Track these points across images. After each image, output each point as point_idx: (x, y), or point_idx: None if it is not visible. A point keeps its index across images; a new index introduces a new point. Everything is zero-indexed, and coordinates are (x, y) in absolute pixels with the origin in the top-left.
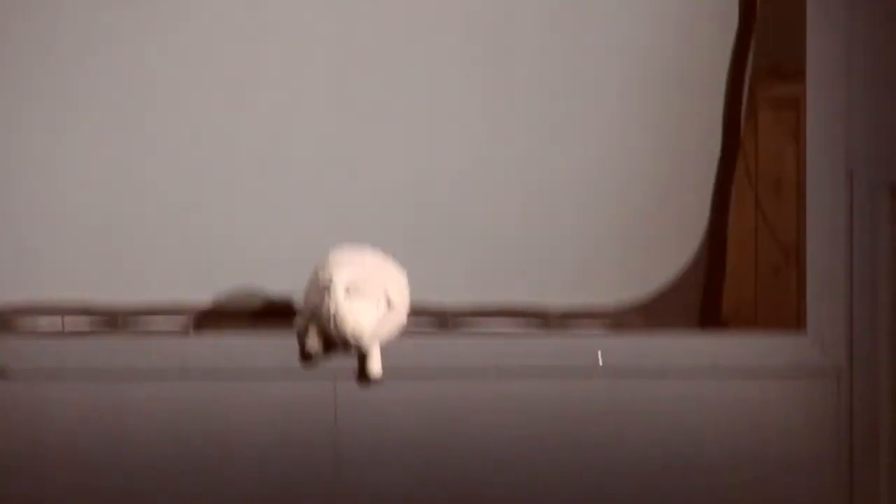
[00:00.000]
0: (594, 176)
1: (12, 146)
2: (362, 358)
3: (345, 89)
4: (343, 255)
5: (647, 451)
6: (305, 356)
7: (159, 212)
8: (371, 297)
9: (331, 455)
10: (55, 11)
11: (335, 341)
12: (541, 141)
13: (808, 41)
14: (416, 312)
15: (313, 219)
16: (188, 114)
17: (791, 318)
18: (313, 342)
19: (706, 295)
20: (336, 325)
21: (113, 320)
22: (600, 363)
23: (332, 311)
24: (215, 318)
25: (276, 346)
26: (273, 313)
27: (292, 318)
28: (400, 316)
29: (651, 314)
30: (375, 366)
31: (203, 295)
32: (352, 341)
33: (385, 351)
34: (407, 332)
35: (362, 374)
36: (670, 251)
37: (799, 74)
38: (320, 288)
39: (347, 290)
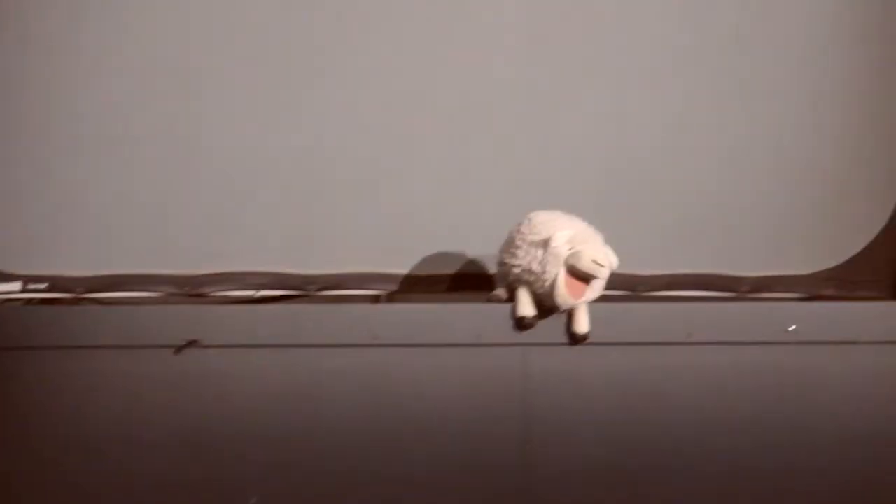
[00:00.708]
0: (785, 143)
1: (204, 120)
2: (570, 316)
3: (534, 54)
4: (552, 216)
5: (841, 421)
6: (522, 324)
7: (350, 182)
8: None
9: (520, 424)
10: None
11: (546, 302)
12: (732, 106)
13: None
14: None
15: (504, 186)
16: (376, 84)
17: None
18: (527, 308)
19: None
20: (577, 263)
21: (306, 289)
22: (792, 329)
23: (556, 270)
24: (409, 286)
25: (466, 315)
26: (468, 280)
27: (488, 283)
28: (607, 276)
29: (844, 283)
30: (585, 322)
31: (396, 265)
32: (595, 272)
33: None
34: (598, 299)
35: (570, 331)
36: (863, 219)
37: None
38: (534, 247)
39: (571, 246)
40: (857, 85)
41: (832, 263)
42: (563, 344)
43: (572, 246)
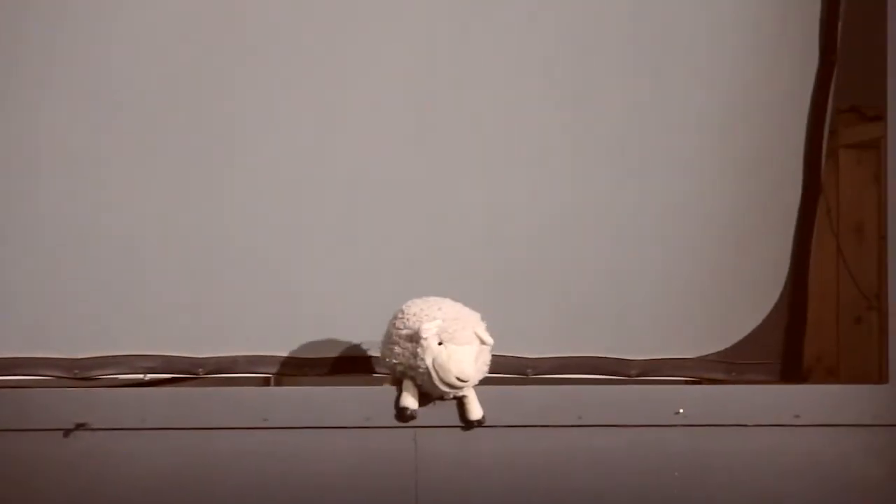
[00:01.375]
0: (673, 227)
1: (95, 196)
2: (461, 403)
3: (424, 141)
4: (422, 305)
5: (729, 503)
6: (403, 416)
7: (237, 265)
8: (464, 341)
9: None
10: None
11: (431, 392)
12: (621, 189)
13: (888, 82)
14: (497, 363)
15: (390, 269)
16: (266, 167)
17: (873, 367)
18: (409, 400)
19: (787, 345)
20: (438, 375)
21: (193, 373)
22: (681, 412)
23: (428, 361)
24: (295, 369)
25: (357, 398)
26: (351, 364)
27: (369, 368)
28: (488, 354)
29: (732, 366)
30: (477, 408)
31: (282, 347)
32: (458, 385)
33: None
34: (486, 382)
35: (464, 417)
36: (751, 303)
37: (880, 116)
38: (407, 341)
39: (440, 339)
40: (745, 167)
41: (720, 347)
42: (454, 426)
43: (441, 339)
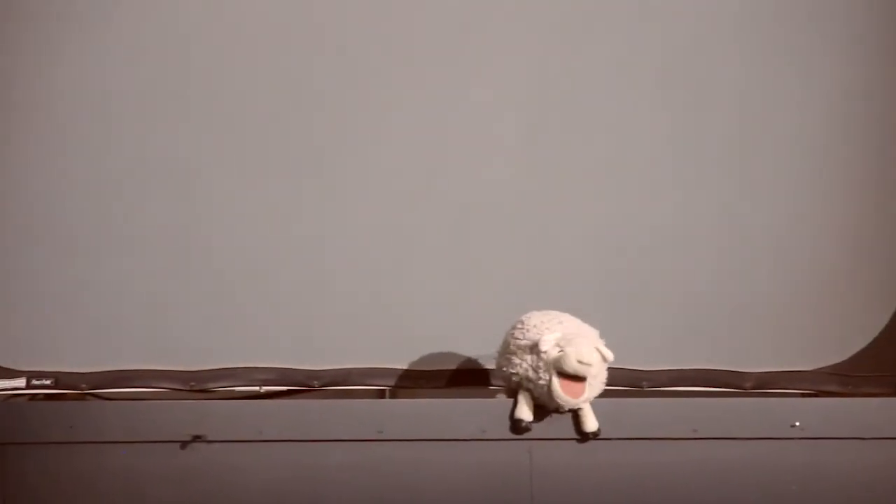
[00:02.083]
0: (789, 239)
1: (207, 215)
2: (576, 416)
3: (535, 155)
4: (542, 318)
5: None
6: (518, 428)
7: (352, 278)
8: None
9: None
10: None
11: (548, 404)
12: (734, 202)
13: None
14: (612, 376)
15: (505, 284)
16: (380, 180)
17: None
18: (524, 411)
19: None
20: (560, 366)
21: (309, 385)
22: (796, 425)
23: (549, 372)
24: (410, 382)
25: (472, 410)
26: (468, 377)
27: (485, 379)
28: (604, 372)
29: (848, 379)
30: (592, 420)
31: (399, 360)
32: (580, 372)
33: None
34: (601, 395)
35: (579, 430)
36: (867, 315)
37: None
38: (526, 352)
39: (559, 347)
40: (859, 178)
41: (836, 359)
42: (568, 439)
43: (560, 348)
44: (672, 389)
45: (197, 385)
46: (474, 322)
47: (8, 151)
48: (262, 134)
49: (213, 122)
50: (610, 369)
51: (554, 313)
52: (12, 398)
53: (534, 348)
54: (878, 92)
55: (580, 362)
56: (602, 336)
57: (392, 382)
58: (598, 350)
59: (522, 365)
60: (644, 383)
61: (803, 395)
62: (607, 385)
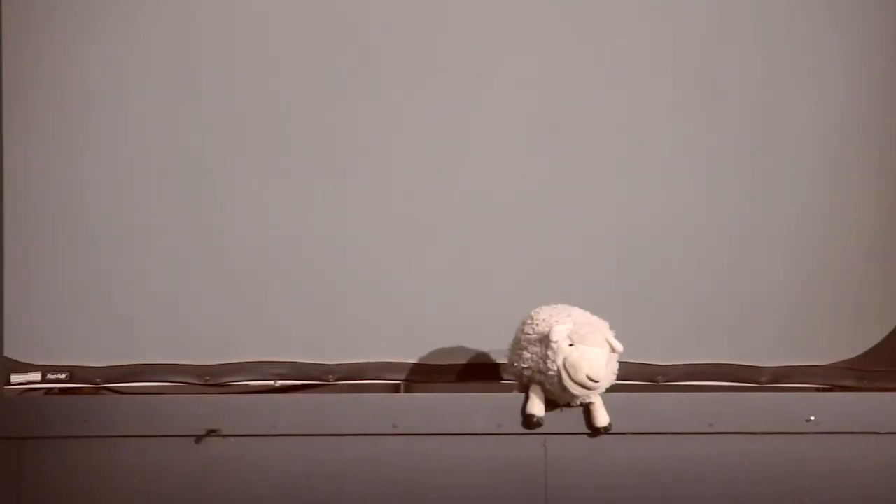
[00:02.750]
0: (803, 234)
1: (222, 210)
2: (587, 410)
3: (548, 151)
4: (551, 311)
5: None
6: (530, 423)
7: (366, 272)
8: (595, 344)
9: None
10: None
11: (560, 397)
12: (749, 197)
13: None
14: (626, 370)
15: (518, 278)
16: (392, 176)
17: None
18: (536, 406)
19: None
20: (569, 374)
21: (323, 379)
22: (812, 420)
23: (559, 362)
24: (424, 376)
25: (487, 405)
26: (479, 371)
27: (497, 375)
28: (616, 362)
29: (863, 373)
30: (603, 415)
31: (412, 354)
32: (589, 385)
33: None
34: (616, 389)
35: (590, 424)
36: (882, 310)
37: None
38: (536, 345)
39: (571, 341)
40: (874, 173)
41: (851, 354)
42: (583, 433)
43: (572, 341)
44: (687, 384)
45: (211, 379)
46: (487, 317)
47: (24, 148)
48: (278, 128)
49: (228, 117)
50: (624, 364)
51: (563, 306)
52: (28, 392)
53: (543, 340)
54: (895, 88)
55: (589, 378)
56: (617, 331)
57: (405, 376)
58: (608, 341)
59: (533, 358)
60: (659, 378)
61: (818, 389)
62: (622, 380)
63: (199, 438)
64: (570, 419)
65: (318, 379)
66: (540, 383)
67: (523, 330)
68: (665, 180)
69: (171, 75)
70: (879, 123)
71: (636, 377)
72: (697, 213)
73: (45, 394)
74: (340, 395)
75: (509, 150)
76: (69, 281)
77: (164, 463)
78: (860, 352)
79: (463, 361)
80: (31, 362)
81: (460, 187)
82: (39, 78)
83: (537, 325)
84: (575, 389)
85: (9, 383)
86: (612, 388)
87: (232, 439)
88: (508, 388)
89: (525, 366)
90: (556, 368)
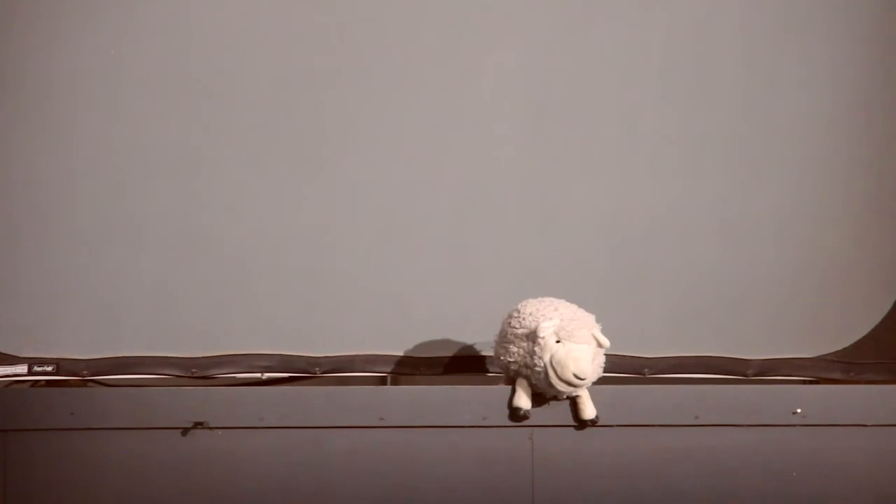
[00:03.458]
0: (790, 227)
1: (209, 203)
2: (574, 403)
3: (536, 143)
4: (538, 305)
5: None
6: (517, 416)
7: (353, 265)
8: (582, 340)
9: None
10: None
11: (546, 392)
12: (736, 190)
13: None
14: (613, 363)
15: (507, 271)
16: (378, 170)
17: None
18: (522, 399)
19: None
20: (556, 372)
21: (310, 372)
22: (798, 412)
23: (546, 359)
24: (410, 369)
25: (474, 397)
26: (465, 364)
27: (483, 368)
28: (602, 356)
29: (850, 366)
30: (590, 408)
31: (398, 347)
32: (575, 383)
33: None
34: (603, 382)
35: (577, 417)
36: (868, 302)
37: None
38: (523, 340)
39: (558, 337)
40: (862, 166)
41: (838, 347)
42: (570, 426)
43: (559, 337)
44: (674, 376)
45: (198, 372)
46: (473, 309)
47: (12, 141)
48: (264, 122)
49: (215, 111)
50: (611, 356)
51: (549, 300)
52: (14, 385)
53: (530, 335)
54: (882, 79)
55: (576, 376)
56: (604, 323)
57: (392, 369)
58: (594, 336)
59: (520, 353)
60: (646, 370)
61: (805, 382)
62: (609, 372)
63: (185, 431)
64: (556, 412)
65: (304, 371)
66: (526, 377)
67: (510, 323)
68: (652, 174)
69: (160, 70)
70: (866, 116)
71: (623, 370)
72: (685, 207)
73: (32, 386)
74: (327, 388)
75: (497, 144)
76: (55, 273)
77: (151, 455)
78: (847, 344)
79: (449, 354)
80: (18, 354)
81: (448, 181)
82: (27, 71)
83: (524, 318)
84: (561, 387)
85: None
86: (600, 381)
87: (219, 432)
88: (495, 381)
89: (511, 360)
90: (542, 365)
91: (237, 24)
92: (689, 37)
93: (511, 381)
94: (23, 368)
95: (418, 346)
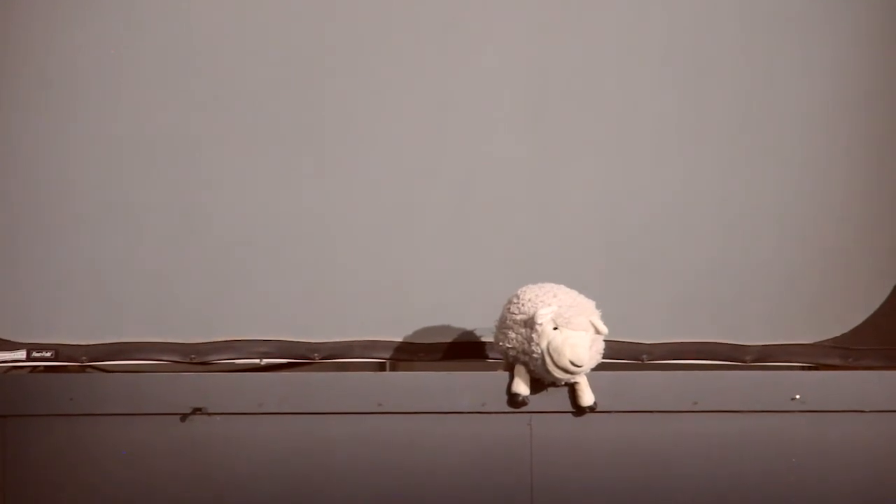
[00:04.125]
0: (789, 213)
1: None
2: (573, 389)
3: (536, 130)
4: (537, 291)
5: (845, 489)
6: (515, 402)
7: (353, 251)
8: (580, 327)
9: (526, 492)
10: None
11: (544, 378)
12: (735, 177)
13: None
14: (612, 349)
15: (507, 258)
16: (379, 158)
17: None
18: (521, 386)
19: None
20: (552, 359)
21: (309, 358)
22: (797, 398)
23: (543, 346)
24: (409, 355)
25: (473, 383)
26: (464, 349)
27: (483, 354)
28: (602, 343)
29: (849, 352)
30: (589, 394)
31: (397, 333)
32: (571, 370)
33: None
34: (602, 368)
35: (575, 404)
36: (867, 289)
37: None
38: (522, 326)
39: (555, 324)
40: (860, 154)
41: (836, 333)
42: (568, 412)
43: (556, 324)
44: (672, 363)
45: (197, 358)
46: (473, 296)
47: (10, 126)
48: (264, 107)
49: (215, 97)
50: (610, 342)
51: (549, 286)
52: (13, 370)
53: (529, 322)
54: (882, 66)
55: (572, 363)
56: (603, 310)
57: (390, 355)
58: (592, 323)
59: (518, 339)
60: (644, 356)
61: (804, 368)
62: (608, 358)
63: (184, 416)
64: (555, 398)
65: (303, 357)
66: (524, 363)
67: (509, 309)
68: (652, 160)
69: (159, 55)
70: (866, 105)
71: (622, 356)
72: (684, 193)
73: (31, 372)
74: (326, 374)
75: (496, 130)
76: (54, 259)
77: (150, 441)
78: (845, 330)
79: (448, 340)
80: (16, 340)
81: (448, 167)
82: (26, 56)
83: (523, 304)
84: (558, 373)
85: None
86: (598, 367)
87: (217, 417)
88: (494, 367)
89: (510, 346)
90: (539, 352)
91: (236, 11)
92: (689, 28)
93: (510, 367)
94: (21, 354)
95: (417, 333)
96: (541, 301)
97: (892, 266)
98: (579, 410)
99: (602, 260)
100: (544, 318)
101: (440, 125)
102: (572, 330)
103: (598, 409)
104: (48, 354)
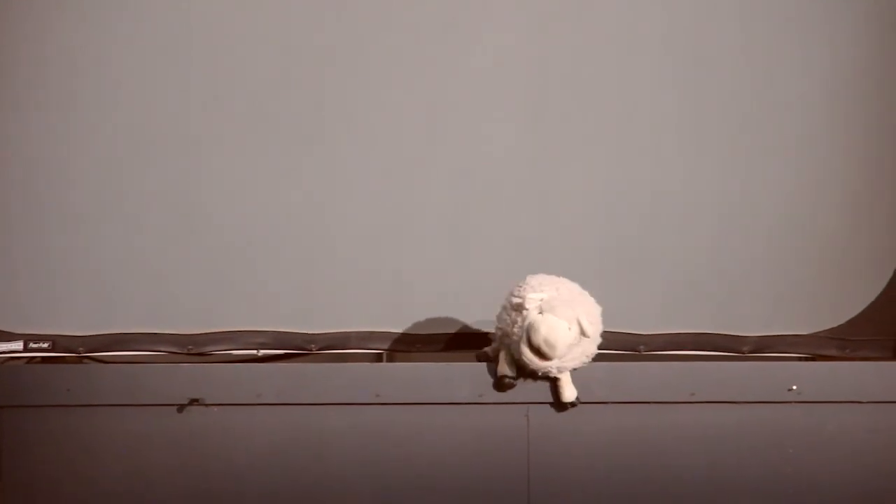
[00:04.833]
0: (786, 204)
1: (205, 181)
2: (554, 385)
3: (535, 121)
4: (539, 279)
5: (843, 480)
6: (502, 385)
7: (350, 242)
8: (563, 318)
9: (523, 482)
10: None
11: (523, 365)
12: (733, 167)
13: None
14: (609, 340)
15: (504, 250)
16: (377, 148)
17: None
18: (505, 368)
19: None
20: (528, 335)
21: (306, 349)
22: (794, 389)
23: (524, 324)
24: (407, 346)
25: (470, 374)
26: (466, 341)
27: (485, 343)
28: (591, 346)
29: (846, 343)
30: (569, 391)
31: (396, 324)
32: (544, 351)
33: (579, 377)
34: (599, 359)
35: (557, 399)
36: (865, 279)
37: None
38: (512, 308)
39: (540, 309)
40: (858, 143)
41: (834, 323)
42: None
43: (542, 310)
44: (669, 353)
45: (195, 349)
46: (472, 287)
47: (7, 119)
48: (261, 99)
49: (213, 90)
50: (607, 333)
51: (556, 278)
52: (10, 361)
53: (519, 307)
54: (881, 59)
55: (546, 342)
56: (600, 300)
57: (388, 346)
58: (578, 322)
59: (507, 321)
60: (641, 347)
61: (801, 359)
62: (605, 349)
63: (181, 407)
64: (552, 389)
65: (300, 348)
66: (508, 347)
67: (512, 292)
68: (650, 153)
69: (156, 48)
70: (863, 99)
71: (619, 346)
72: (682, 185)
73: (28, 362)
74: (323, 365)
75: (495, 122)
76: (52, 250)
77: (147, 432)
78: (842, 321)
79: (445, 331)
80: (13, 331)
81: (447, 157)
82: (23, 49)
83: (522, 290)
84: (530, 355)
85: None
86: (596, 358)
87: (214, 408)
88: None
89: (498, 326)
90: (518, 332)
91: (234, 4)
92: (689, 26)
93: (496, 351)
94: (19, 345)
95: (417, 324)
96: (541, 289)
97: (889, 257)
98: (561, 406)
99: (600, 251)
100: (532, 303)
101: (439, 117)
102: (556, 317)
103: (595, 400)
104: (45, 345)
